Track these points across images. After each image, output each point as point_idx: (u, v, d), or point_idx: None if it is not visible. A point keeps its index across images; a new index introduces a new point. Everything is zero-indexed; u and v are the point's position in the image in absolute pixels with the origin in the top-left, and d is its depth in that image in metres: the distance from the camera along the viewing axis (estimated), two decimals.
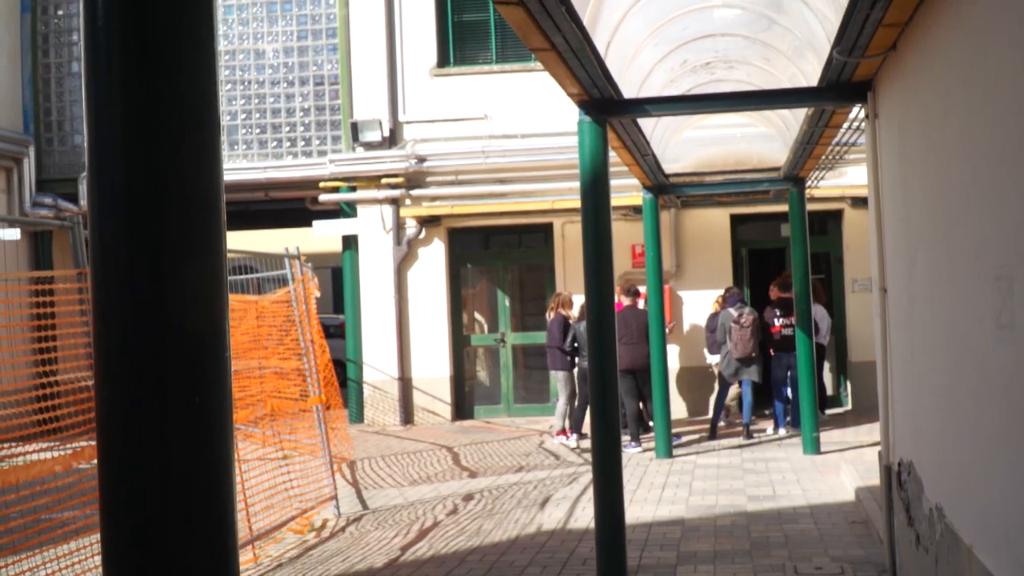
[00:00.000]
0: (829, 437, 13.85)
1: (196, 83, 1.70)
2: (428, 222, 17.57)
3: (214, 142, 1.74)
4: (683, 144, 12.67)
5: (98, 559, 7.14)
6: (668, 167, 12.85)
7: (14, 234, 17.31)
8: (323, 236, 18.06)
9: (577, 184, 10.75)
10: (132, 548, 1.66)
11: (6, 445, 7.22)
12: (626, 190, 15.36)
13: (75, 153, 18.78)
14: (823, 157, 11.59)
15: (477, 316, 18.42)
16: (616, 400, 7.86)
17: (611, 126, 8.59)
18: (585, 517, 9.78)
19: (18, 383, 7.80)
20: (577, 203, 9.41)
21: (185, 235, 1.69)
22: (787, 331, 14.46)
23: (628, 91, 8.34)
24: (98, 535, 5.95)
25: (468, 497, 11.23)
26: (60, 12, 18.85)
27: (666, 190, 13.73)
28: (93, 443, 6.62)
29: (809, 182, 13.38)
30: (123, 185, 1.67)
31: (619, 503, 7.82)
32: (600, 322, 7.83)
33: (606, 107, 8.03)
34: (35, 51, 18.77)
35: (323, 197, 17.89)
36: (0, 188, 17.98)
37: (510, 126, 17.24)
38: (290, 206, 18.89)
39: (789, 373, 14.56)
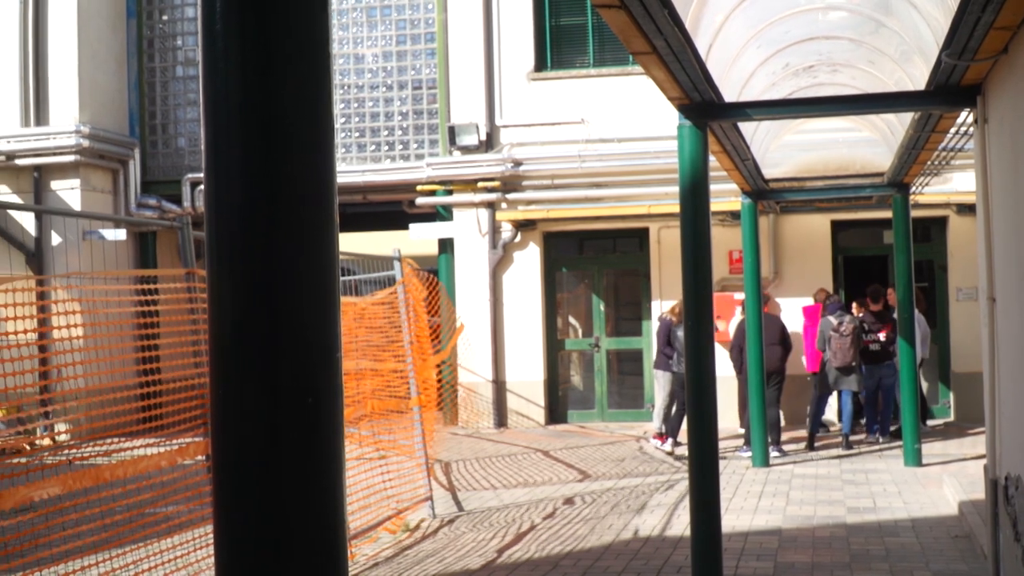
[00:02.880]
0: (931, 449, 13.56)
1: (312, 86, 1.72)
2: (524, 226, 17.59)
3: (328, 145, 1.75)
4: (784, 149, 12.51)
5: (200, 553, 7.28)
6: (768, 172, 12.70)
7: (120, 234, 17.71)
8: (419, 239, 18.18)
9: (674, 189, 10.68)
10: (245, 545, 1.68)
11: (114, 440, 7.39)
12: (724, 195, 15.19)
13: (178, 155, 19.16)
14: (928, 163, 11.35)
15: (571, 320, 18.40)
16: (714, 407, 7.78)
17: (711, 130, 8.51)
18: (680, 525, 9.70)
19: (125, 380, 7.96)
20: (674, 208, 9.36)
21: (299, 237, 1.70)
22: (875, 346, 14.23)
23: (729, 95, 8.25)
24: (200, 530, 6.08)
25: (563, 501, 11.20)
26: (165, 17, 19.26)
27: (765, 195, 13.57)
28: (197, 440, 6.78)
29: (913, 188, 13.12)
30: (239, 187, 1.69)
31: (715, 511, 7.74)
32: (698, 328, 7.75)
33: (707, 111, 7.96)
34: (141, 55, 19.19)
35: (420, 200, 18.02)
36: (107, 189, 18.41)
37: (607, 130, 17.19)
38: (387, 209, 19.05)
39: (879, 384, 14.37)
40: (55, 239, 17.68)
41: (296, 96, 1.69)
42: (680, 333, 13.94)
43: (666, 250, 16.96)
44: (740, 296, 14.44)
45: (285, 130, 1.68)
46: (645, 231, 17.52)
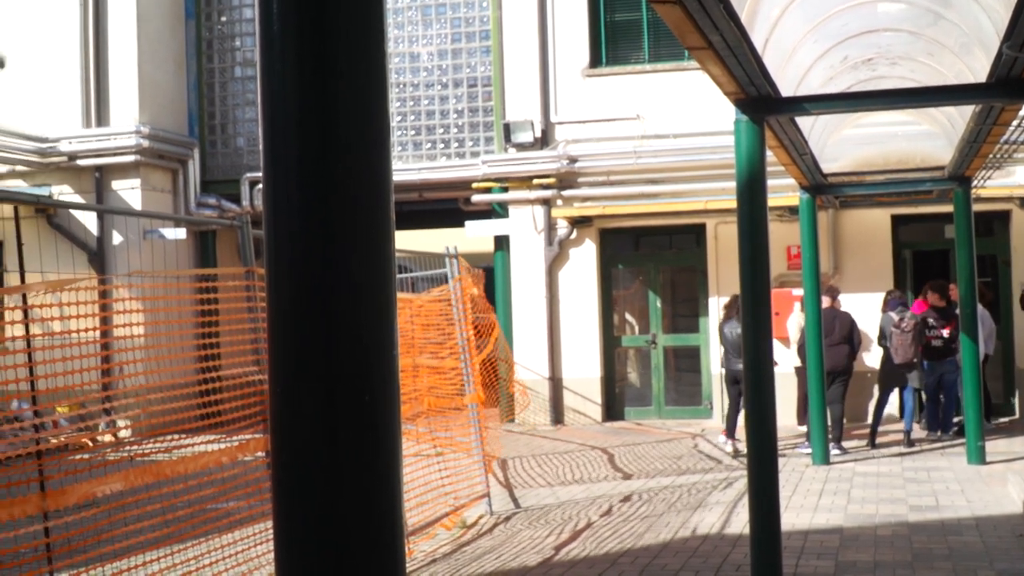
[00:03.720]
0: (995, 447, 13.35)
1: (368, 86, 1.73)
2: (579, 223, 17.57)
3: (384, 144, 1.76)
4: (842, 143, 12.38)
5: (260, 549, 7.35)
6: (826, 167, 12.58)
7: (180, 233, 17.92)
8: (475, 236, 18.21)
9: (731, 184, 10.61)
10: (304, 540, 1.70)
11: (175, 437, 7.47)
12: (782, 190, 15.06)
13: (237, 155, 19.35)
14: (990, 156, 11.19)
15: (628, 317, 18.35)
16: (773, 404, 7.72)
17: (768, 125, 8.44)
18: (739, 522, 9.64)
19: (186, 377, 8.05)
20: (731, 204, 9.30)
21: (356, 235, 1.71)
22: (937, 342, 14.05)
23: (786, 89, 8.18)
24: (260, 525, 6.13)
25: (620, 499, 11.18)
26: (223, 18, 19.44)
27: (824, 190, 13.44)
28: (257, 436, 6.83)
29: (975, 182, 12.93)
30: (296, 187, 1.70)
31: (775, 509, 7.68)
32: (756, 325, 7.70)
33: (763, 105, 7.89)
34: (199, 56, 19.39)
35: (475, 198, 18.06)
36: (167, 189, 18.63)
37: (663, 126, 17.12)
38: (443, 206, 19.11)
39: (941, 381, 14.19)
40: (116, 238, 17.92)
41: (352, 96, 1.70)
42: (727, 330, 13.87)
43: (723, 246, 16.86)
44: (799, 292, 14.31)
45: (342, 130, 1.69)
46: (702, 227, 17.42)
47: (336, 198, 1.70)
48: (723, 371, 14.45)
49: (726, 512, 10.28)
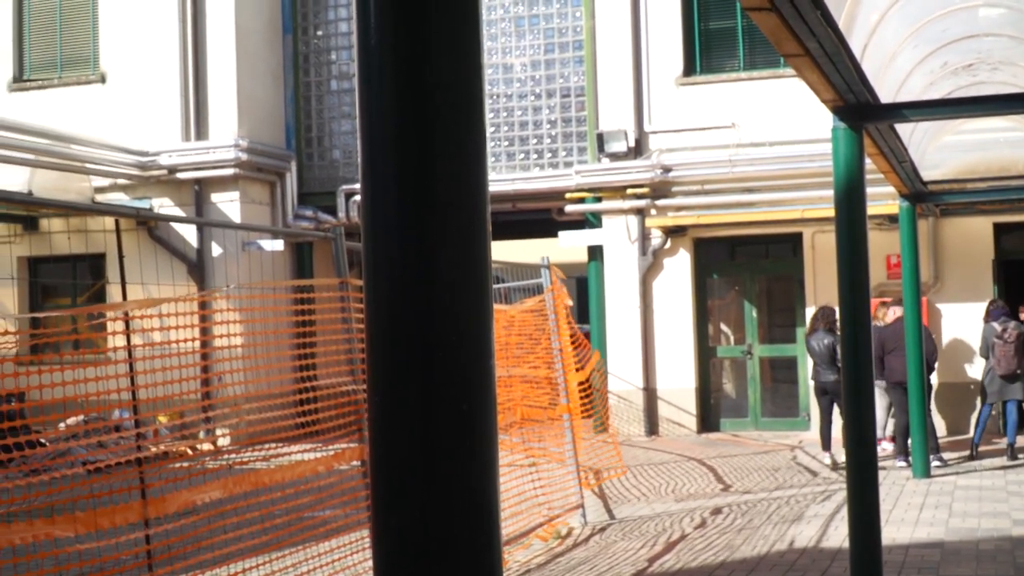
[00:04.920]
0: None
1: (466, 98, 1.74)
2: (674, 232, 17.45)
3: (481, 156, 1.76)
4: (942, 150, 12.14)
5: (357, 557, 7.41)
6: (926, 174, 12.33)
7: (278, 245, 18.18)
8: (569, 246, 18.19)
9: (828, 192, 10.44)
10: (402, 549, 1.70)
11: (272, 446, 7.57)
12: (881, 198, 14.78)
13: (333, 167, 19.58)
14: None
15: (723, 327, 18.17)
16: (872, 416, 7.58)
17: (867, 132, 8.30)
18: (838, 536, 9.48)
19: (283, 387, 8.16)
20: (828, 212, 9.13)
21: (454, 246, 1.71)
22: None
23: (885, 96, 8.04)
24: (356, 534, 6.17)
25: (716, 511, 11.06)
26: (319, 32, 19.71)
27: (924, 198, 13.18)
28: (353, 445, 6.88)
29: None
30: (394, 199, 1.71)
31: (875, 523, 7.53)
32: (855, 336, 7.56)
33: (862, 113, 7.76)
34: (296, 70, 19.67)
35: (569, 208, 18.04)
36: (265, 201, 18.92)
37: (758, 134, 16.94)
38: (536, 217, 19.13)
39: None
40: (216, 250, 18.24)
41: (449, 109, 1.71)
42: (814, 342, 13.68)
43: (820, 255, 16.61)
44: (876, 299, 14.04)
45: (439, 142, 1.70)
46: (798, 236, 17.19)
47: (434, 210, 1.71)
48: (814, 383, 14.23)
49: (824, 525, 10.12)
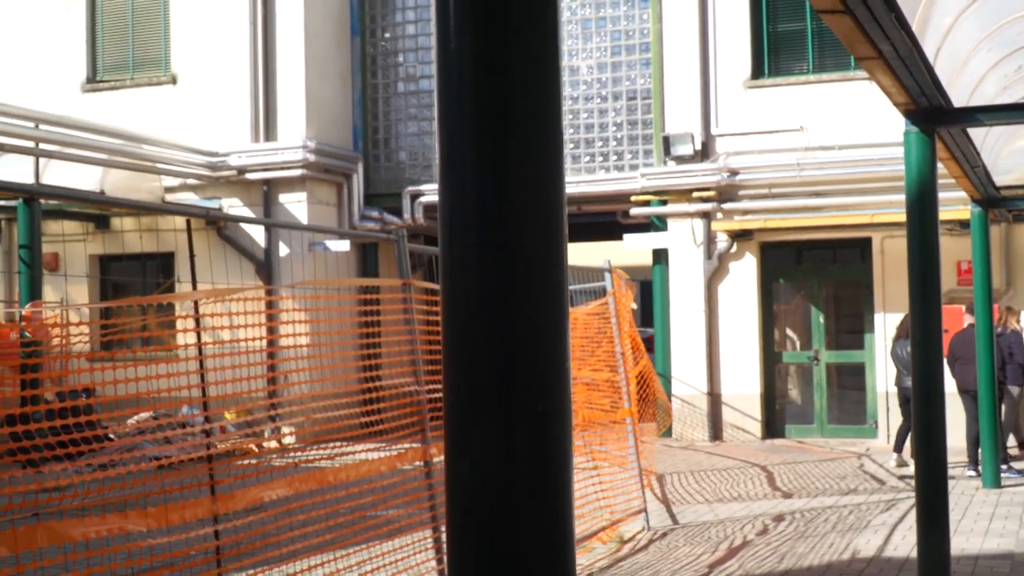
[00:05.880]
0: None
1: (544, 102, 1.74)
2: (740, 236, 17.33)
3: (559, 160, 1.77)
4: (1016, 155, 11.94)
5: (420, 557, 7.43)
6: (999, 179, 12.14)
7: (344, 246, 18.30)
8: (633, 250, 18.13)
9: (899, 197, 10.33)
10: (477, 550, 1.71)
11: (337, 444, 7.62)
12: (952, 203, 14.56)
13: (399, 169, 19.68)
14: None
15: (789, 333, 18.00)
16: (943, 424, 7.46)
17: (939, 136, 8.18)
18: (905, 546, 9.35)
19: (348, 386, 8.21)
20: (899, 217, 9.04)
21: (531, 250, 1.72)
22: None
23: (958, 99, 7.92)
24: (420, 534, 6.17)
25: (779, 518, 10.96)
26: (387, 35, 19.82)
27: (996, 203, 12.97)
28: (416, 446, 6.90)
29: None
30: (473, 201, 1.72)
31: (944, 533, 7.42)
32: (926, 343, 7.46)
33: (934, 117, 7.66)
34: (364, 72, 19.80)
35: (634, 211, 17.99)
36: (331, 202, 19.06)
37: (827, 137, 16.76)
38: (601, 220, 19.10)
39: None
40: (283, 250, 18.41)
41: (529, 114, 1.72)
42: (899, 349, 13.53)
43: (890, 261, 16.40)
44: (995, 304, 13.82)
45: (517, 148, 1.70)
46: (867, 241, 16.98)
47: (512, 214, 1.71)
48: (896, 389, 14.06)
49: (891, 535, 9.98)
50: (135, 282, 19.33)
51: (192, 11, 18.99)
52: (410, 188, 19.15)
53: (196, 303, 6.44)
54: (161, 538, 5.45)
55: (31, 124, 15.98)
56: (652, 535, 10.23)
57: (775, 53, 17.46)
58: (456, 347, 1.69)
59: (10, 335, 12.71)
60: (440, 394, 6.37)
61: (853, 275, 17.55)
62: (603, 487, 10.43)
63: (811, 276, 17.84)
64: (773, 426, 17.44)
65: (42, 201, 16.03)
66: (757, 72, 17.40)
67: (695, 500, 12.12)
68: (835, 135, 16.70)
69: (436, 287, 8.93)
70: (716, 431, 17.34)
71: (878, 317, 16.60)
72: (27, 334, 11.70)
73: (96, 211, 18.80)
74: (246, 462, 7.44)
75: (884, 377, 16.20)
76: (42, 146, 16.31)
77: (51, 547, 4.80)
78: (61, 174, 16.80)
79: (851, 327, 17.55)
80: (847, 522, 10.63)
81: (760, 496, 12.27)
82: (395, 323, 8.36)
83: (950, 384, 10.40)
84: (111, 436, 9.75)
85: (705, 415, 17.34)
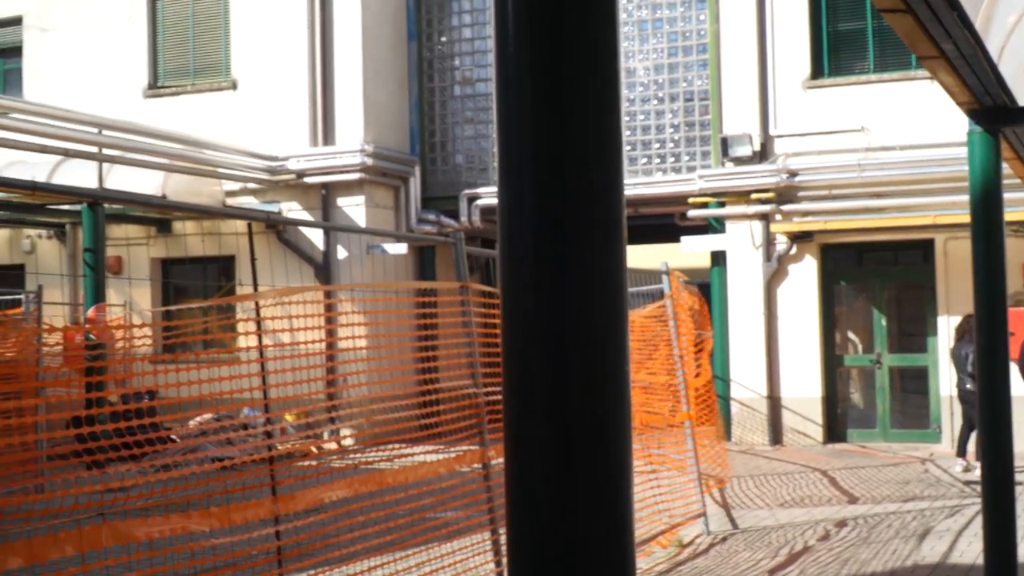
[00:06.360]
0: None
1: (603, 106, 1.73)
2: (799, 238, 17.17)
3: (618, 163, 1.75)
4: None
5: (478, 559, 7.44)
6: None
7: (401, 248, 18.39)
8: (691, 252, 18.03)
9: (962, 198, 10.18)
10: (538, 555, 1.70)
11: (395, 446, 7.65)
12: (1017, 204, 14.32)
13: (456, 172, 19.73)
14: None
15: (850, 335, 17.81)
16: (1009, 429, 7.34)
17: (1004, 136, 8.04)
18: (970, 552, 9.21)
19: (406, 388, 8.24)
20: (962, 218, 8.92)
21: (590, 251, 1.71)
22: None
23: (1023, 98, 7.78)
24: (477, 536, 6.18)
25: (842, 523, 10.84)
26: (443, 39, 19.88)
27: None
28: (474, 448, 6.90)
29: None
30: (532, 204, 1.71)
31: (1011, 540, 7.29)
32: (991, 345, 7.33)
33: (999, 116, 7.52)
34: (421, 76, 19.88)
35: (692, 213, 17.89)
36: (389, 205, 19.16)
37: (888, 137, 16.57)
38: (658, 222, 19.01)
39: None
40: (341, 253, 18.53)
41: (587, 117, 1.71)
42: (959, 351, 13.35)
43: (953, 262, 16.17)
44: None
45: (576, 149, 1.70)
46: (930, 242, 16.76)
47: (570, 216, 1.70)
48: (956, 392, 13.89)
49: (956, 541, 9.83)
50: (196, 285, 19.56)
51: (251, 17, 19.18)
52: (467, 191, 19.18)
53: (257, 306, 6.49)
54: (223, 538, 5.50)
55: (95, 129, 16.22)
56: (712, 539, 10.17)
57: (835, 52, 17.29)
58: (514, 350, 1.69)
59: (75, 338, 12.89)
60: (498, 396, 6.39)
61: (916, 277, 17.32)
62: (661, 491, 10.38)
63: (873, 278, 17.64)
64: (835, 430, 17.26)
65: (106, 205, 16.26)
66: (816, 72, 17.24)
67: (755, 505, 12.02)
68: (897, 135, 16.50)
69: (493, 290, 8.94)
70: (776, 435, 17.20)
71: (941, 320, 16.38)
72: (91, 337, 11.87)
73: (158, 215, 19.04)
74: (306, 463, 7.50)
75: (948, 380, 15.96)
76: (105, 151, 16.55)
77: (115, 546, 4.86)
78: (124, 178, 17.04)
79: (914, 330, 17.33)
80: (911, 528, 10.49)
81: (822, 501, 12.15)
82: (453, 325, 8.38)
83: (1017, 387, 10.23)
84: (174, 437, 9.87)
85: (765, 419, 17.19)
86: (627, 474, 1.69)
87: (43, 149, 15.55)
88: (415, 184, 19.42)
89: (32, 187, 6.05)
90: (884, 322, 17.30)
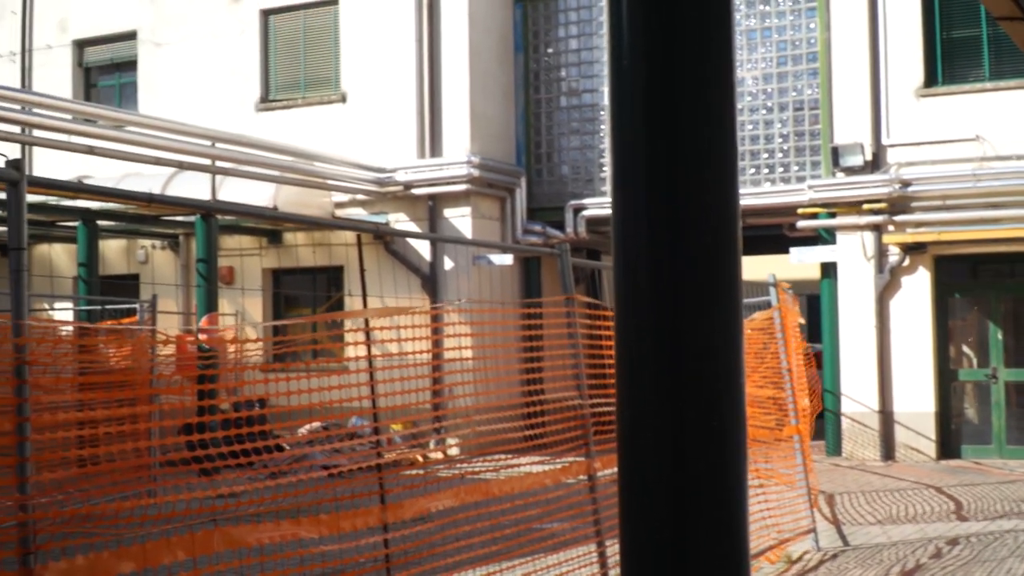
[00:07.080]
0: None
1: (718, 117, 1.72)
2: (912, 249, 16.81)
3: (732, 175, 1.74)
4: None
5: (583, 572, 7.41)
6: None
7: (507, 259, 18.46)
8: (800, 263, 17.78)
9: None
10: (652, 568, 1.68)
11: (501, 457, 7.67)
12: None
13: (561, 183, 19.74)
14: None
15: (965, 349, 17.37)
16: None
17: None
18: None
19: (511, 399, 8.25)
20: None
21: (705, 262, 1.70)
22: None
23: None
24: (583, 548, 6.15)
25: (954, 541, 10.57)
26: (550, 50, 19.92)
27: None
28: (580, 459, 6.87)
29: None
30: (645, 216, 1.71)
31: None
32: None
33: None
34: (527, 87, 19.95)
35: (801, 223, 17.64)
36: (495, 216, 19.24)
37: (1005, 146, 16.15)
38: (767, 232, 18.80)
39: None
40: (447, 264, 18.66)
41: (702, 131, 1.70)
42: None
43: None
44: None
45: (691, 164, 1.69)
46: None
47: (685, 226, 1.69)
48: None
49: None
50: (306, 295, 19.87)
51: (361, 31, 19.45)
52: (573, 202, 19.18)
53: (367, 319, 6.56)
54: (332, 545, 5.56)
55: (208, 142, 16.59)
56: (822, 556, 9.99)
57: (949, 60, 16.92)
58: (628, 362, 1.68)
59: (188, 347, 13.19)
60: (603, 408, 6.35)
61: None
62: (769, 505, 10.23)
63: (988, 291, 17.19)
64: (948, 446, 16.84)
65: (218, 216, 16.62)
66: (930, 80, 16.89)
67: (866, 521, 11.78)
68: (1013, 144, 16.07)
69: (598, 302, 8.90)
70: (888, 450, 16.84)
71: None
72: (204, 346, 12.13)
73: (270, 226, 19.40)
74: (413, 472, 7.55)
75: None
76: (218, 163, 16.91)
77: (227, 552, 4.94)
78: (236, 190, 17.39)
79: None
80: None
81: (935, 518, 11.86)
82: (558, 336, 8.38)
83: None
84: (283, 445, 10.02)
85: (876, 434, 16.85)
86: (742, 487, 1.67)
87: (157, 161, 15.94)
88: (521, 195, 19.48)
89: (148, 199, 6.20)
90: (1000, 336, 16.84)
